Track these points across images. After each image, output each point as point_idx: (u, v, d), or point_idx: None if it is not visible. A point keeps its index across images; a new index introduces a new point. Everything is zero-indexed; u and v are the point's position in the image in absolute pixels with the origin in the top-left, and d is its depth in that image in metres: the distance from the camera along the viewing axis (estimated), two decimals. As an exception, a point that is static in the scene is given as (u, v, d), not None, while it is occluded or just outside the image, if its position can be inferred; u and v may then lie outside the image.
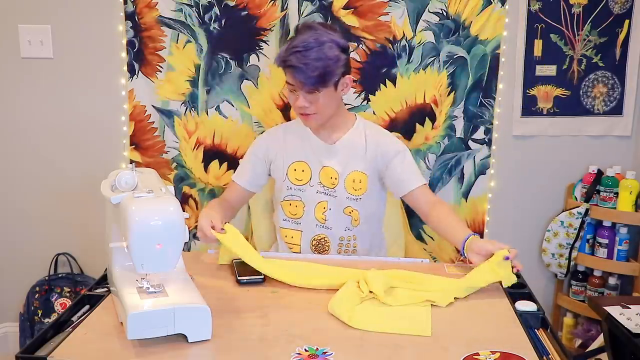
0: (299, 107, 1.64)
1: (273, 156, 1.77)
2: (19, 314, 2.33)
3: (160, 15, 2.11)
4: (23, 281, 2.33)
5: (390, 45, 2.11)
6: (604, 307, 1.58)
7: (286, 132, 1.79)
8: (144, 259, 1.06)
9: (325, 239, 1.73)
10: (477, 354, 1.04)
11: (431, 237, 2.24)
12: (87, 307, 1.24)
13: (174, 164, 2.23)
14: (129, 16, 2.11)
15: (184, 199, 2.25)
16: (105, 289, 1.30)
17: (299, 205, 1.73)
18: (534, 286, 1.41)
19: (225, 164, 2.21)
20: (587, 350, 2.03)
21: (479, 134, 2.19)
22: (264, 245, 1.94)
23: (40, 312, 2.28)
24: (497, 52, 2.12)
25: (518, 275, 1.41)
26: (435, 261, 2.21)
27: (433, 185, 2.19)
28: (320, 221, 1.73)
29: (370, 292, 1.29)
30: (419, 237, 2.22)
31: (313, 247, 1.74)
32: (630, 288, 2.19)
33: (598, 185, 2.16)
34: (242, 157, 2.19)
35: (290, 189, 1.74)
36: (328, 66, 1.56)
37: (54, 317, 2.07)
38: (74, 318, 1.20)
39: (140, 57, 2.14)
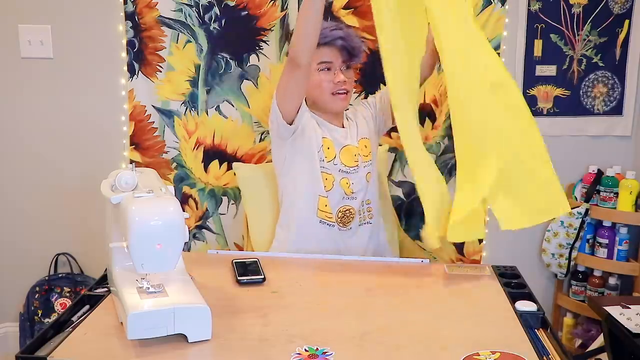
0: (338, 83, 1.69)
1: (306, 121, 1.70)
2: (19, 314, 2.33)
3: (160, 15, 2.11)
4: (23, 281, 2.33)
5: (390, 45, 2.11)
6: (604, 307, 1.58)
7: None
8: (144, 259, 1.06)
9: (350, 210, 1.74)
10: (477, 354, 1.04)
11: (431, 237, 2.24)
12: (87, 307, 1.24)
13: (174, 164, 2.23)
14: (129, 16, 2.11)
15: (184, 199, 2.25)
16: (105, 289, 1.30)
17: (329, 178, 1.73)
18: (534, 286, 1.41)
19: (225, 164, 2.21)
20: (587, 350, 2.03)
21: (479, 134, 2.19)
22: (260, 246, 1.92)
23: (40, 312, 2.28)
24: (497, 52, 2.12)
25: (518, 275, 1.42)
26: (435, 260, 2.21)
27: (433, 185, 2.19)
28: (347, 193, 1.74)
29: None
30: (418, 238, 2.22)
31: (339, 219, 1.74)
32: (630, 288, 2.19)
33: (598, 185, 2.16)
34: (242, 157, 2.20)
35: (323, 160, 1.73)
36: (361, 40, 1.78)
37: (54, 317, 2.07)
38: (74, 318, 1.19)
39: (140, 57, 2.14)
